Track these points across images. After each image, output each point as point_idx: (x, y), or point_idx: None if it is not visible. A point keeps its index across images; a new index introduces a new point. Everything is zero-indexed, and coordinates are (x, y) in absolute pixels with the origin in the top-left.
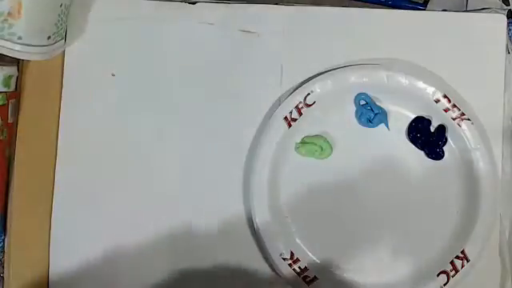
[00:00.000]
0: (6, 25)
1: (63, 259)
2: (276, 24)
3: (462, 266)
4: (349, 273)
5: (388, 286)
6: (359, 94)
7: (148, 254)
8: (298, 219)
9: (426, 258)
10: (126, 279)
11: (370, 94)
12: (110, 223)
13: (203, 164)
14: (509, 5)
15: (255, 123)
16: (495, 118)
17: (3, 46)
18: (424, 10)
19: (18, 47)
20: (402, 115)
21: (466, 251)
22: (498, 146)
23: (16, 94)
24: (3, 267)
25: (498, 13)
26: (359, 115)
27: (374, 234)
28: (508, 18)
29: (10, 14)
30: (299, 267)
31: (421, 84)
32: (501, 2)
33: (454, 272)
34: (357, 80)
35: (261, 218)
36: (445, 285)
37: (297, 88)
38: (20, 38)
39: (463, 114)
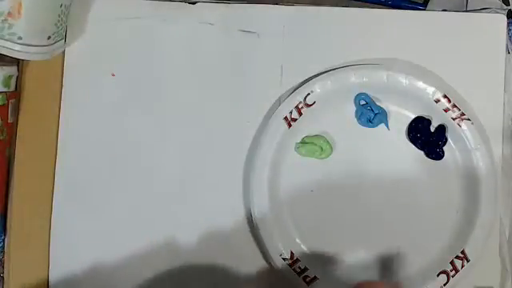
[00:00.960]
0: (6, 25)
1: (63, 259)
2: (276, 24)
3: (462, 266)
4: (349, 273)
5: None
6: (359, 94)
7: (148, 254)
8: (298, 219)
9: (426, 258)
10: (125, 278)
11: (370, 94)
12: (110, 223)
13: (203, 164)
14: (509, 5)
15: (255, 123)
16: (495, 118)
17: (3, 46)
18: (424, 9)
19: (17, 47)
20: (402, 115)
21: (466, 251)
22: (498, 146)
23: (16, 94)
24: (3, 267)
25: (497, 13)
26: (359, 115)
27: (374, 234)
28: (508, 18)
29: (9, 13)
30: (299, 267)
31: (421, 84)
32: (501, 2)
33: (454, 272)
34: (357, 80)
35: (261, 217)
36: (445, 285)
37: (297, 88)
38: (20, 38)
39: (463, 114)
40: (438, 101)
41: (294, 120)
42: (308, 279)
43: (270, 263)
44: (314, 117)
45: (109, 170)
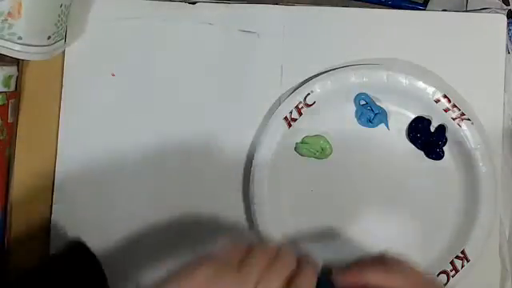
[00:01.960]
0: (6, 25)
1: None
2: (276, 24)
3: (462, 266)
4: None
5: None
6: (359, 94)
7: (148, 254)
8: (299, 219)
9: (426, 258)
10: (125, 277)
11: (370, 94)
12: (110, 222)
13: (203, 164)
14: (509, 5)
15: (255, 123)
16: (495, 118)
17: (3, 46)
18: (424, 9)
19: (17, 47)
20: (402, 115)
21: (466, 251)
22: (498, 146)
23: (16, 94)
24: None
25: (498, 13)
26: (359, 115)
27: (374, 234)
28: (508, 18)
29: (9, 13)
30: None
31: (421, 84)
32: (501, 2)
33: (454, 272)
34: (357, 80)
35: (261, 217)
36: (445, 285)
37: (297, 88)
38: (20, 38)
39: (463, 114)
40: (438, 101)
41: (294, 120)
42: None
43: None
44: (314, 117)
45: (109, 170)
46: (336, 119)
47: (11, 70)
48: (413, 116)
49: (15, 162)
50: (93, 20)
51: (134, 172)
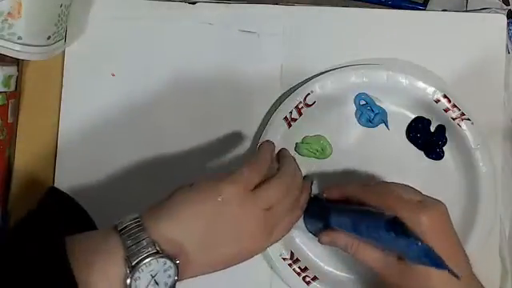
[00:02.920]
0: (6, 25)
1: None
2: (276, 24)
3: None
4: (349, 273)
5: None
6: (359, 94)
7: None
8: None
9: None
10: None
11: (370, 94)
12: (110, 223)
13: (203, 164)
14: (509, 5)
15: (255, 123)
16: (495, 118)
17: (3, 46)
18: (424, 9)
19: (17, 47)
20: (402, 115)
21: (466, 251)
22: (498, 146)
23: (16, 94)
24: None
25: (498, 13)
26: (359, 115)
27: None
28: (508, 18)
29: (9, 14)
30: (299, 267)
31: (421, 84)
32: (501, 2)
33: None
34: (357, 80)
35: None
36: None
37: (297, 88)
38: (20, 38)
39: (463, 114)
40: (438, 101)
41: (294, 120)
42: (308, 279)
43: (270, 263)
44: (314, 117)
45: (109, 170)
46: (336, 119)
47: (11, 70)
48: (413, 116)
49: (15, 162)
50: (93, 20)
51: (134, 172)
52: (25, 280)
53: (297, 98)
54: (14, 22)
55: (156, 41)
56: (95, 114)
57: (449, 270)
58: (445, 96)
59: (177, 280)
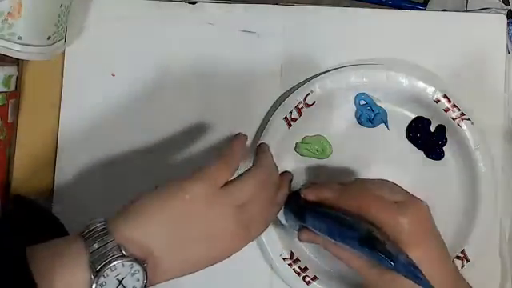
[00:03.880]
0: (6, 25)
1: None
2: (276, 24)
3: (462, 266)
4: (348, 273)
5: None
6: (359, 94)
7: None
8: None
9: None
10: None
11: (370, 94)
12: None
13: (203, 163)
14: (509, 5)
15: (255, 123)
16: (495, 118)
17: (3, 46)
18: (424, 9)
19: (17, 47)
20: (402, 115)
21: (466, 251)
22: (498, 146)
23: (16, 94)
24: None
25: (498, 13)
26: (359, 115)
27: None
28: (508, 18)
29: (9, 14)
30: (299, 267)
31: (421, 84)
32: (501, 2)
33: None
34: (357, 80)
35: None
36: None
37: (297, 88)
38: (20, 38)
39: (463, 114)
40: (438, 101)
41: (294, 120)
42: (308, 279)
43: (270, 263)
44: (314, 117)
45: (109, 170)
46: (336, 119)
47: (11, 70)
48: (413, 116)
49: (15, 162)
50: (93, 20)
51: (134, 172)
52: None
53: (297, 97)
54: (14, 21)
55: (156, 41)
56: (95, 113)
57: (427, 286)
58: (445, 96)
59: (146, 284)
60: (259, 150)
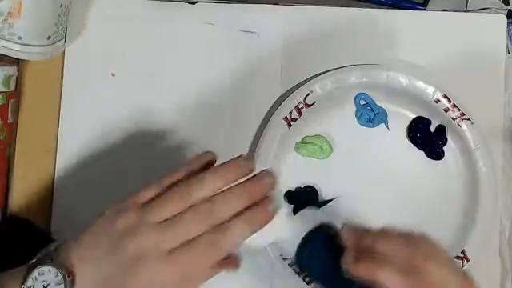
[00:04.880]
0: (6, 25)
1: None
2: (276, 24)
3: (462, 266)
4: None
5: None
6: (359, 94)
7: None
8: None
9: None
10: None
11: (370, 94)
12: None
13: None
14: (509, 5)
15: (255, 123)
16: (495, 118)
17: (3, 46)
18: (424, 10)
19: (17, 47)
20: (402, 115)
21: (466, 251)
22: (498, 146)
23: (16, 94)
24: None
25: (497, 13)
26: (359, 115)
27: None
28: (508, 17)
29: (9, 13)
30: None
31: (421, 84)
32: (501, 2)
33: None
34: (357, 80)
35: None
36: None
37: (297, 88)
38: (20, 38)
39: (463, 114)
40: (438, 101)
41: (294, 120)
42: (308, 279)
43: (270, 263)
44: (314, 117)
45: (109, 170)
46: (336, 119)
47: (11, 70)
48: (413, 116)
49: (15, 162)
50: (93, 20)
51: (134, 172)
52: None
53: (297, 97)
54: (14, 22)
55: (156, 41)
56: (95, 113)
57: None
58: (445, 96)
59: None
60: (226, 164)
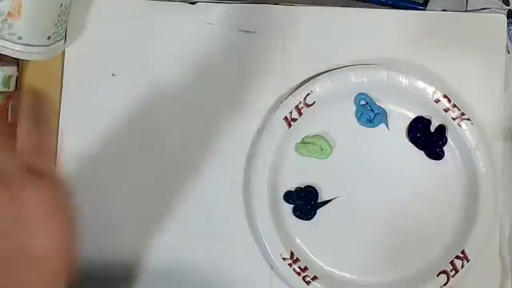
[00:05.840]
0: (6, 25)
1: None
2: (276, 24)
3: (462, 266)
4: (348, 272)
5: (388, 286)
6: (359, 94)
7: (147, 254)
8: (298, 219)
9: (426, 258)
10: (123, 274)
11: (370, 94)
12: (110, 222)
13: (203, 164)
14: (509, 5)
15: (255, 123)
16: (495, 118)
17: (3, 46)
18: (424, 9)
19: (17, 47)
20: (402, 115)
21: (466, 251)
22: (498, 146)
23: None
24: None
25: (497, 13)
26: (359, 115)
27: (374, 234)
28: (508, 17)
29: (9, 14)
30: (299, 267)
31: (421, 84)
32: (501, 2)
33: (454, 272)
34: (357, 80)
35: (261, 218)
36: (445, 285)
37: (297, 88)
38: (20, 38)
39: (463, 114)
40: (438, 101)
41: (294, 120)
42: (308, 279)
43: (270, 263)
44: (314, 117)
45: (109, 170)
46: (336, 119)
47: (11, 70)
48: (413, 116)
49: None
50: (93, 20)
51: (134, 171)
52: None
53: (297, 98)
54: (14, 22)
55: (156, 41)
56: (95, 113)
57: None
58: (445, 96)
59: None
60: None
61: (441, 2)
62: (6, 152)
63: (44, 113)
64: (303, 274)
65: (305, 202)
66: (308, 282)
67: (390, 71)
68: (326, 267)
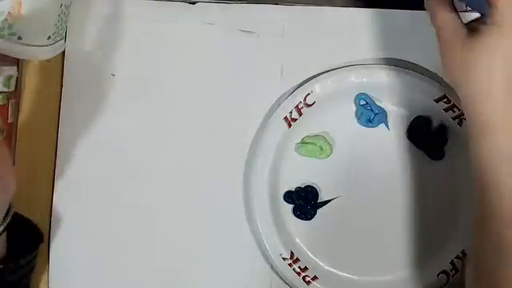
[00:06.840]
0: (6, 25)
1: (62, 262)
2: (276, 24)
3: (462, 266)
4: (348, 272)
5: (388, 286)
6: (359, 94)
7: (146, 253)
8: (298, 219)
9: (426, 257)
10: (122, 275)
11: (370, 94)
12: (110, 223)
13: (203, 164)
14: None
15: (255, 123)
16: None
17: (3, 46)
18: (424, 10)
19: (18, 47)
20: (402, 115)
21: (466, 251)
22: None
23: (16, 94)
24: None
25: None
26: (359, 115)
27: (374, 234)
28: None
29: (9, 14)
30: (299, 267)
31: (421, 84)
32: None
33: (453, 272)
34: (357, 80)
35: (261, 217)
36: (445, 285)
37: (297, 88)
38: (20, 38)
39: (463, 114)
40: (438, 101)
41: (294, 120)
42: (308, 279)
43: (270, 263)
44: (314, 117)
45: (109, 170)
46: (336, 119)
47: (11, 70)
48: (413, 116)
49: (15, 163)
50: (93, 20)
51: (133, 172)
52: None
53: (297, 97)
54: (14, 22)
55: (156, 41)
56: (95, 114)
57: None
58: (445, 96)
59: None
60: None
61: None
62: None
63: None
64: (303, 274)
65: (305, 201)
66: (308, 282)
67: (390, 71)
68: (325, 267)
